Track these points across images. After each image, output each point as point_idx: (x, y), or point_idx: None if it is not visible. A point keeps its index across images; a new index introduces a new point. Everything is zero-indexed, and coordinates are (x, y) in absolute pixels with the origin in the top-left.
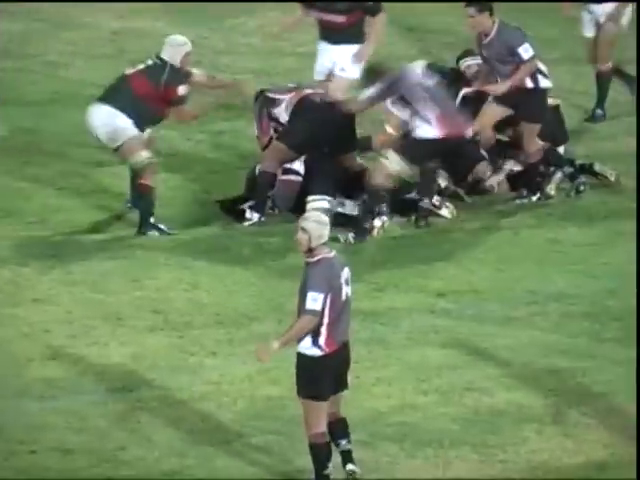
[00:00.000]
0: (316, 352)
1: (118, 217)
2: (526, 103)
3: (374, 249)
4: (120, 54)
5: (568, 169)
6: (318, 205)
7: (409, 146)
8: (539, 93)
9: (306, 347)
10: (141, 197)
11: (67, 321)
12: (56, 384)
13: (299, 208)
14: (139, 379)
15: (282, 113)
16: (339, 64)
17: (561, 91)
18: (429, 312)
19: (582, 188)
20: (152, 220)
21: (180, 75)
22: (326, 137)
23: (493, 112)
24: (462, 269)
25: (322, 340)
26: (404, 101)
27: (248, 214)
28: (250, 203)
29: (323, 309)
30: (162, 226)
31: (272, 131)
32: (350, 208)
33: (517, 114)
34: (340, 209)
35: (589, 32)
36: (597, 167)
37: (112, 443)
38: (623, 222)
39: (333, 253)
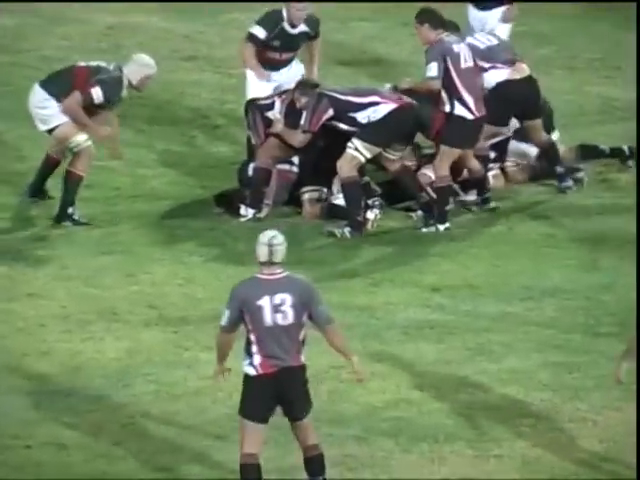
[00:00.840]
0: (251, 371)
1: (113, 212)
2: (443, 126)
3: (369, 244)
4: (116, 49)
5: (559, 169)
6: (311, 196)
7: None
8: (454, 119)
9: (244, 364)
10: (66, 185)
11: (62, 316)
12: (51, 379)
13: (294, 200)
14: (134, 374)
15: (276, 114)
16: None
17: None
18: (424, 307)
19: (566, 190)
20: (70, 210)
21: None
22: (323, 134)
23: None
24: (457, 264)
25: (256, 360)
26: None
27: (243, 210)
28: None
29: (237, 325)
30: (77, 217)
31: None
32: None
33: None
34: (337, 201)
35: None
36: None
37: (107, 438)
38: (618, 218)
39: (277, 276)
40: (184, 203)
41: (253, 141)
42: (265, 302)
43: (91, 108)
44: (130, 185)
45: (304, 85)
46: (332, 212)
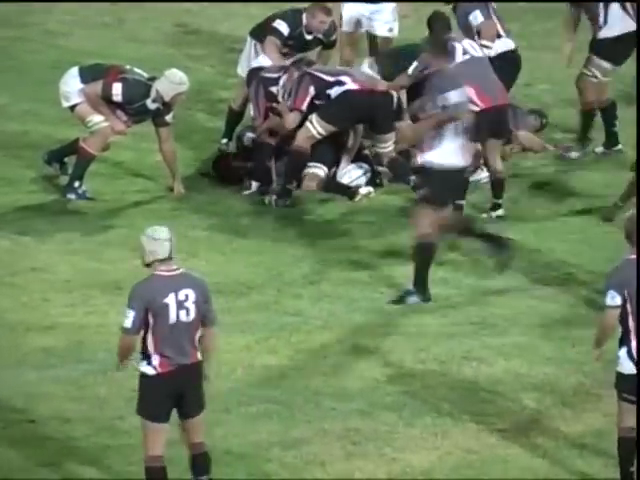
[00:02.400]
0: (150, 371)
1: (116, 186)
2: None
3: (373, 219)
4: (119, 23)
5: None
6: (315, 172)
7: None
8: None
9: (142, 365)
10: (77, 160)
11: (66, 290)
12: (54, 353)
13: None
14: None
15: (280, 91)
16: None
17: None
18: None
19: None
20: (76, 184)
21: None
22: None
23: None
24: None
25: (155, 360)
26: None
27: (247, 183)
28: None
29: (142, 326)
30: (82, 192)
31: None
32: (349, 176)
33: None
34: (342, 179)
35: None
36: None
37: (110, 412)
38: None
39: (176, 272)
40: (186, 177)
41: (252, 113)
42: (171, 299)
43: (116, 108)
44: (133, 159)
45: (299, 62)
46: (327, 188)
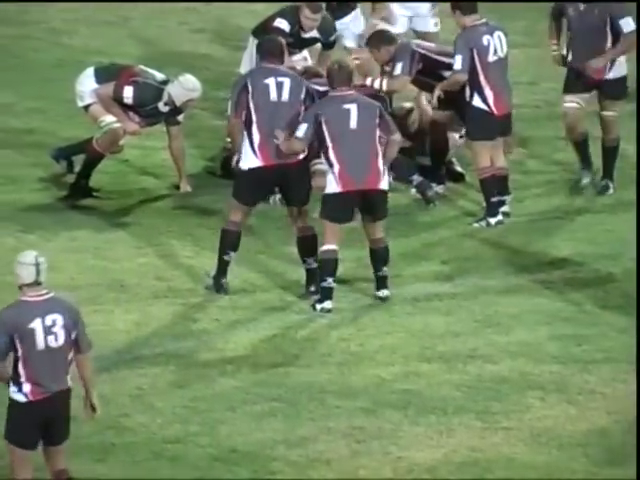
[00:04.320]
0: (20, 398)
1: (122, 184)
2: (466, 119)
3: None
4: (123, 21)
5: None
6: (319, 167)
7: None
8: (472, 110)
9: (12, 391)
10: (85, 158)
11: (71, 288)
12: None
13: None
14: (143, 346)
15: None
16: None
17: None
18: (433, 280)
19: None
20: (83, 183)
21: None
22: None
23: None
24: (466, 237)
25: (26, 387)
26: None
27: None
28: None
29: (9, 351)
30: (88, 190)
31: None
32: None
33: None
34: None
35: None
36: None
37: (116, 410)
38: (625, 190)
39: (44, 297)
40: (193, 175)
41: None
42: (37, 324)
43: (128, 110)
44: (139, 157)
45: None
46: None
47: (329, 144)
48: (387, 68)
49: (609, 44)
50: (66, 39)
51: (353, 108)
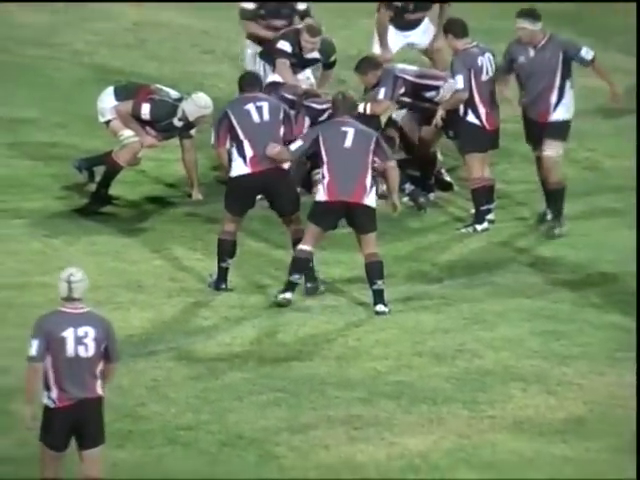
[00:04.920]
0: (50, 404)
1: (139, 192)
2: (460, 133)
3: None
4: (140, 43)
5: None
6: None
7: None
8: (465, 125)
9: (43, 396)
10: (105, 170)
11: (92, 288)
12: None
13: (307, 183)
14: (157, 341)
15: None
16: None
17: None
18: (424, 280)
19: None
20: (103, 192)
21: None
22: None
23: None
24: (454, 240)
25: (54, 394)
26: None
27: None
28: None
29: (45, 357)
30: (107, 198)
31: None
32: None
33: None
34: None
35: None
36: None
37: (133, 400)
38: (601, 198)
39: (80, 311)
40: (204, 184)
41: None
42: (69, 334)
43: (145, 125)
44: (155, 168)
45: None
46: None
47: (324, 159)
48: (373, 92)
49: (557, 87)
50: (88, 59)
51: (350, 131)
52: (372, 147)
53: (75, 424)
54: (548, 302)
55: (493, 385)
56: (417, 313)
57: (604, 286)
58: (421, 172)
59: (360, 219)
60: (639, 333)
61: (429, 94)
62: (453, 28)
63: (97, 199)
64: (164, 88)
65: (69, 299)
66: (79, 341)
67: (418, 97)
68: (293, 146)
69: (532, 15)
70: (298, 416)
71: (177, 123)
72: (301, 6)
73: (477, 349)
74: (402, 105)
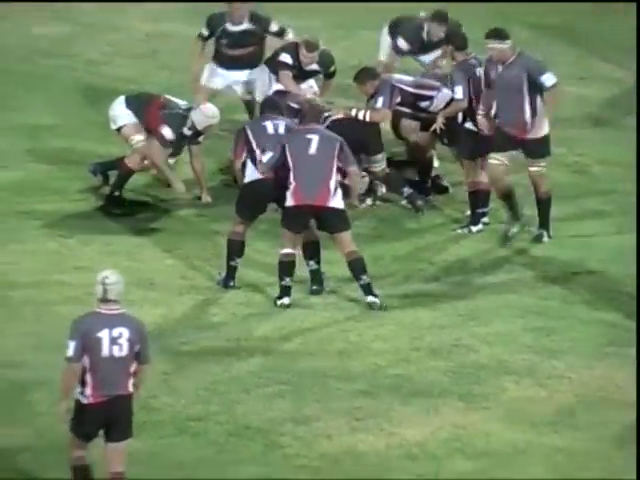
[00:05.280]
0: (82, 399)
1: (151, 195)
2: (459, 140)
3: (376, 225)
4: (153, 54)
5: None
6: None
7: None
8: (463, 132)
9: (77, 392)
10: (118, 173)
11: None
12: None
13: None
14: (169, 336)
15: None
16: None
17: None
18: (421, 278)
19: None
20: (116, 194)
21: (183, 124)
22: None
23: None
24: (450, 241)
25: (88, 390)
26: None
27: None
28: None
29: (82, 357)
30: (120, 200)
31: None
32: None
33: None
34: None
35: None
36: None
37: (145, 392)
38: (590, 201)
39: (115, 312)
40: (212, 187)
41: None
42: (104, 334)
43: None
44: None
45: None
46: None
47: (290, 166)
48: (371, 101)
49: (527, 103)
50: (103, 69)
51: (315, 138)
52: (336, 152)
53: (106, 419)
54: (539, 299)
55: (487, 378)
56: (415, 310)
57: (592, 284)
58: (418, 176)
59: (328, 221)
60: (639, 330)
61: (424, 104)
62: (455, 41)
63: (111, 201)
64: (173, 99)
65: (104, 300)
66: (114, 341)
67: (413, 106)
68: (265, 158)
69: (499, 35)
70: (302, 408)
71: (187, 132)
72: (274, 27)
73: (472, 344)
74: (399, 114)
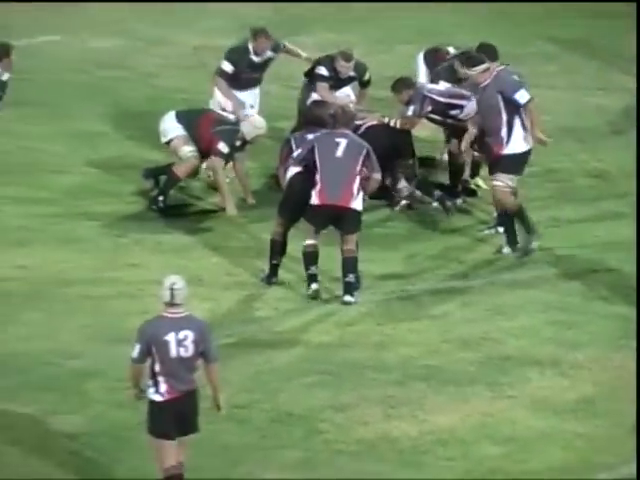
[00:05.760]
0: (157, 398)
1: (199, 199)
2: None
3: (409, 224)
4: (202, 67)
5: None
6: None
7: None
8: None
9: (151, 392)
10: (166, 179)
11: (157, 282)
12: None
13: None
14: (216, 329)
15: None
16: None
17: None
18: (451, 276)
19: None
20: (161, 198)
21: (235, 138)
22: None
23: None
24: (478, 241)
25: (162, 388)
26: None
27: None
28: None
29: (147, 358)
30: (163, 205)
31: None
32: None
33: None
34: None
35: None
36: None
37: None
38: (609, 203)
39: (180, 315)
40: (256, 191)
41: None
42: (171, 337)
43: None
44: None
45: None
46: (380, 193)
47: (318, 167)
48: (403, 109)
49: (505, 122)
50: (155, 80)
51: (343, 142)
52: (362, 157)
53: (179, 413)
54: (561, 295)
55: (513, 369)
56: (445, 305)
57: (610, 281)
58: (450, 180)
59: (346, 222)
60: (639, 323)
61: (454, 112)
62: (485, 53)
63: (155, 203)
64: (222, 113)
65: (171, 304)
66: (180, 343)
67: (443, 114)
68: (295, 153)
69: (467, 62)
70: (340, 396)
71: (237, 143)
72: (269, 54)
73: (499, 337)
74: (431, 121)
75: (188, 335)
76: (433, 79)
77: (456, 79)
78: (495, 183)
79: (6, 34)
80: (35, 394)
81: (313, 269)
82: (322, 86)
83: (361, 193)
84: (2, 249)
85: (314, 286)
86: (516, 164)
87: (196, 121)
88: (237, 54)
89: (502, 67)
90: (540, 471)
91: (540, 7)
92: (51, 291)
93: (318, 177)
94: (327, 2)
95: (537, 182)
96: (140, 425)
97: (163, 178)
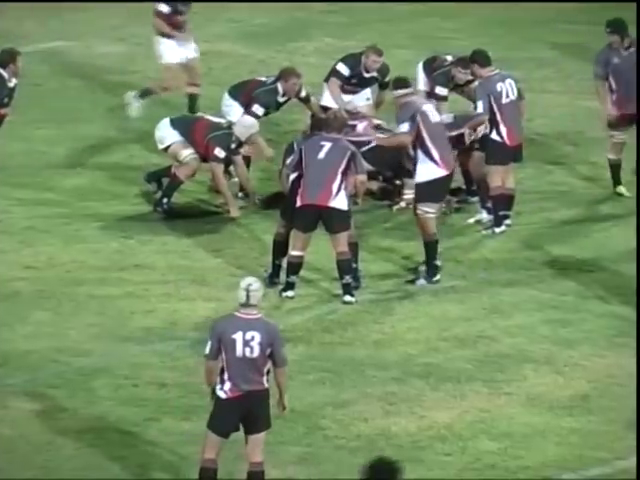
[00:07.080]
0: (222, 394)
1: (202, 200)
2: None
3: (408, 224)
4: (208, 71)
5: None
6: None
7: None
8: (489, 141)
9: (217, 388)
10: (168, 182)
11: (162, 282)
12: (153, 332)
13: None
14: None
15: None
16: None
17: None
18: (450, 275)
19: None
20: (165, 200)
21: (230, 141)
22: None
23: None
24: (476, 242)
25: (226, 386)
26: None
27: None
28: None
29: (218, 355)
30: (167, 207)
31: None
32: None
33: None
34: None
35: None
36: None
37: (198, 378)
38: (604, 205)
39: (252, 316)
40: (260, 193)
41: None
42: (238, 336)
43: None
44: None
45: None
46: (384, 194)
47: (302, 169)
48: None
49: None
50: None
51: (327, 145)
52: (345, 159)
53: (243, 413)
54: (556, 294)
55: (509, 366)
56: (443, 304)
57: (605, 281)
58: (465, 184)
59: (329, 220)
60: (639, 323)
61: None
62: (478, 58)
63: (159, 205)
64: (213, 118)
65: (245, 305)
66: (246, 344)
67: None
68: (288, 159)
69: (393, 85)
70: (340, 393)
71: (232, 145)
72: (303, 93)
73: (495, 335)
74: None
75: (255, 336)
76: (431, 87)
77: (453, 85)
78: (416, 211)
79: (13, 40)
80: (43, 391)
81: (293, 278)
82: (334, 82)
83: (343, 192)
84: (10, 250)
85: (289, 293)
86: (429, 192)
87: (190, 127)
88: (266, 98)
89: (495, 72)
90: (536, 466)
91: (535, 12)
92: (58, 291)
93: (302, 179)
94: (332, 1)
95: (533, 185)
96: (147, 422)
97: (165, 180)
